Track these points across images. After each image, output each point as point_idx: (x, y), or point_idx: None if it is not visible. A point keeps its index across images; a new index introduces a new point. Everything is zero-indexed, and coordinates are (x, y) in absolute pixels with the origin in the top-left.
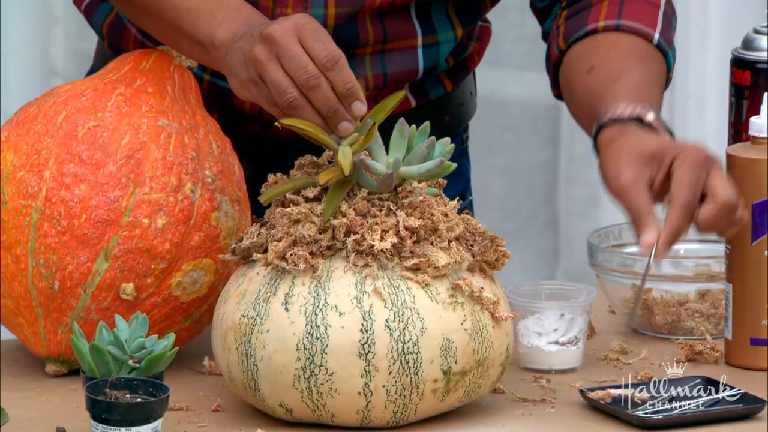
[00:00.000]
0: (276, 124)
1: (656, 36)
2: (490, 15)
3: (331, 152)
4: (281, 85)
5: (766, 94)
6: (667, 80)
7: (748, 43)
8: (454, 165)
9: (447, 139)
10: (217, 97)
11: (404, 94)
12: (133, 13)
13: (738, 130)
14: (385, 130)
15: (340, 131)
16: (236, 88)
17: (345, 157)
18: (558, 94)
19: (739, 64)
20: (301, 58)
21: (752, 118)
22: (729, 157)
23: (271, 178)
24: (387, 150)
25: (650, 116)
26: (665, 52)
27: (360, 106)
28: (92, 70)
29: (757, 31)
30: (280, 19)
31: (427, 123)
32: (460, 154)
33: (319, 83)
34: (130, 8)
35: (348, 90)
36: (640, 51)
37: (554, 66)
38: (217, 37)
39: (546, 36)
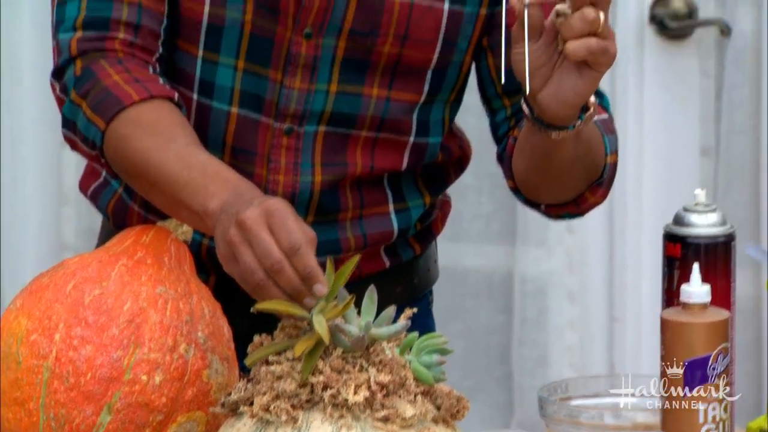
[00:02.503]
0: (251, 310)
1: (594, 117)
2: (451, 194)
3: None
4: (250, 267)
5: (695, 264)
6: (604, 166)
7: (678, 220)
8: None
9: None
10: (214, 260)
11: (357, 259)
12: (141, 186)
13: (670, 297)
14: (353, 289)
15: (305, 306)
16: (219, 259)
17: (322, 327)
18: (513, 185)
19: (671, 238)
20: (267, 245)
21: (683, 286)
22: (663, 321)
23: (256, 339)
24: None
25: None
26: (601, 133)
27: (320, 288)
28: (98, 246)
29: (686, 209)
30: (255, 201)
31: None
32: (427, 315)
33: (282, 268)
34: (139, 183)
35: (308, 274)
36: None
37: (509, 157)
38: (210, 207)
39: (501, 156)
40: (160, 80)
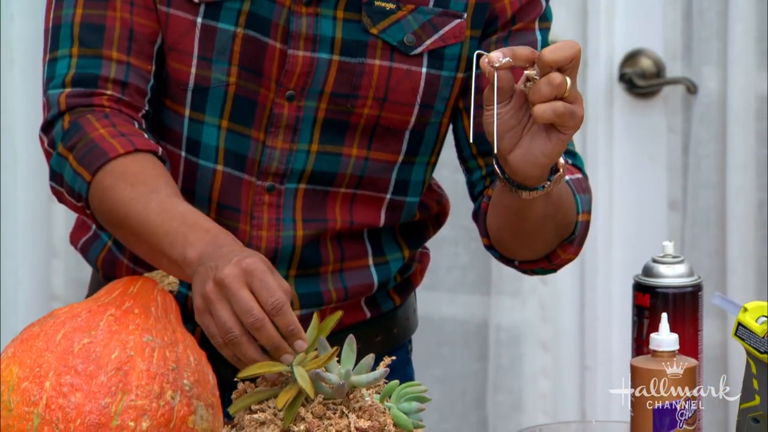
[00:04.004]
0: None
1: (567, 177)
2: (428, 245)
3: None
4: (226, 323)
5: (663, 314)
6: (576, 224)
7: (647, 271)
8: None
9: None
10: None
11: (339, 315)
12: (124, 236)
13: (640, 345)
14: (334, 339)
15: (283, 361)
16: (194, 310)
17: (305, 380)
18: (488, 242)
19: (640, 288)
20: (247, 303)
21: (652, 335)
22: (633, 368)
23: (240, 386)
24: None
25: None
26: (573, 192)
27: (302, 344)
28: (88, 297)
29: (655, 261)
30: (234, 259)
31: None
32: (407, 363)
33: (263, 325)
34: (121, 232)
35: (290, 332)
36: None
37: (483, 215)
38: (188, 256)
39: (476, 214)
40: (145, 135)
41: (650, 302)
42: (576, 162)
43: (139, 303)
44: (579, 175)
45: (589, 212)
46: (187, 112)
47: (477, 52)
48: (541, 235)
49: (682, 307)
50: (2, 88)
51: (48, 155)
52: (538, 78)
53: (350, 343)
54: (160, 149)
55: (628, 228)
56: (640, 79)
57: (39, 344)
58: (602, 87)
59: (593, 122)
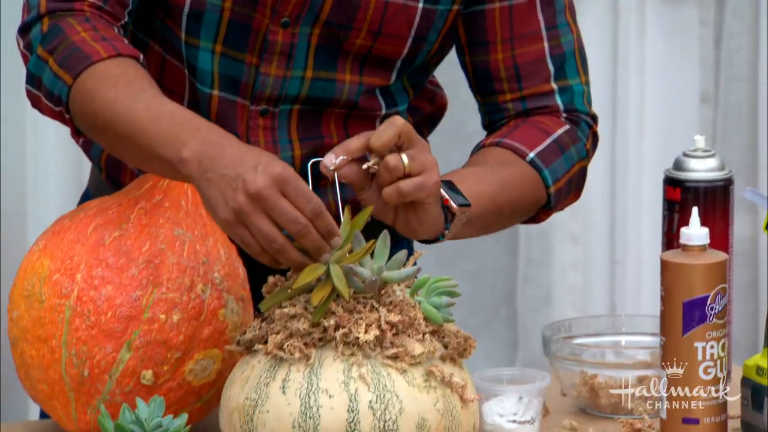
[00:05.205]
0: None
1: (531, 154)
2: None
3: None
4: (269, 234)
5: (694, 208)
6: (549, 196)
7: (678, 165)
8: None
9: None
10: None
11: (371, 210)
12: (108, 141)
13: (670, 239)
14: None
15: (322, 261)
16: (214, 218)
17: (340, 280)
18: None
19: (671, 182)
20: (291, 213)
21: (683, 229)
22: (663, 262)
23: (270, 280)
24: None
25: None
26: (539, 169)
27: (338, 240)
28: (87, 194)
29: (686, 155)
30: (260, 167)
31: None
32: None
33: (309, 231)
34: (105, 137)
35: (329, 232)
36: (505, 159)
37: None
38: (183, 155)
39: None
40: (125, 41)
41: (681, 196)
42: (571, 101)
43: (170, 196)
44: (560, 132)
45: (563, 178)
46: (183, 36)
47: (312, 161)
48: (507, 224)
49: (713, 201)
50: None
51: (25, 58)
52: (378, 164)
53: (384, 239)
54: (141, 56)
55: (660, 122)
56: None
57: (70, 237)
58: None
59: (625, 16)
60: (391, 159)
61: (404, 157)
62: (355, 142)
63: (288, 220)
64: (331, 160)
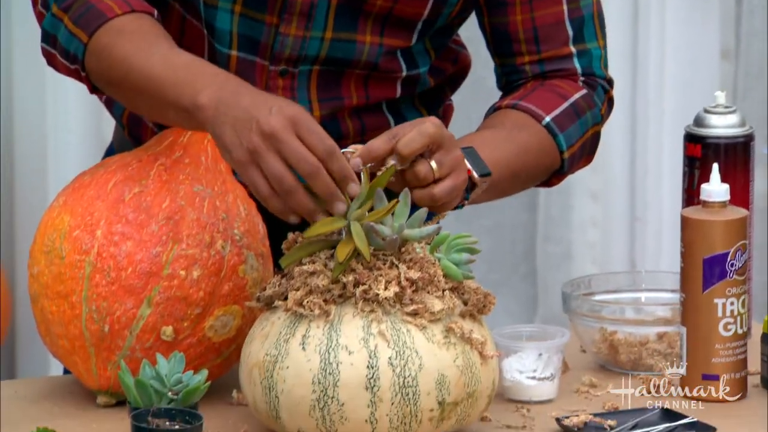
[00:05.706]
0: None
1: (547, 118)
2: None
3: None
4: (279, 173)
5: (715, 164)
6: (563, 161)
7: (699, 121)
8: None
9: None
10: None
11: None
12: (124, 95)
13: (690, 196)
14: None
15: (336, 211)
16: (228, 160)
17: (360, 239)
18: None
19: (691, 138)
20: (301, 152)
21: (703, 185)
22: (683, 218)
23: (290, 236)
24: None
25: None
26: (554, 134)
27: (355, 188)
28: (111, 149)
29: (707, 111)
30: (274, 109)
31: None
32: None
33: (319, 171)
34: (121, 91)
35: (343, 176)
36: (522, 122)
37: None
38: (200, 101)
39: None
40: None
41: (701, 152)
42: (590, 64)
43: (190, 153)
44: (576, 96)
45: (576, 144)
46: None
47: (342, 151)
48: (521, 188)
49: (734, 157)
50: None
51: (40, 17)
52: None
53: (405, 197)
54: (156, 12)
55: (680, 78)
56: None
57: (90, 193)
58: None
59: None
60: (422, 169)
61: (433, 164)
62: (381, 147)
63: (299, 159)
64: (357, 164)
